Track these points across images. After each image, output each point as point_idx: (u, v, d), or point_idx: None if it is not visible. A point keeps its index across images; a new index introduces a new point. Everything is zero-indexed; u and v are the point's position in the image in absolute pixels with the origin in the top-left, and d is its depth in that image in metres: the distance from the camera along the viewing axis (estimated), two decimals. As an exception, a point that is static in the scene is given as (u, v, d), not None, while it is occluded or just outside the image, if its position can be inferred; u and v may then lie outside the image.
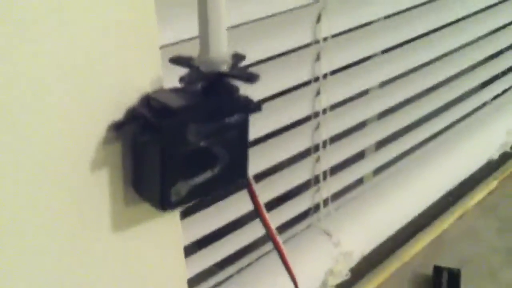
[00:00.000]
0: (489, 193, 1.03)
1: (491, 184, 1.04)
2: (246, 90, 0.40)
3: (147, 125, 0.38)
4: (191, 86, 0.40)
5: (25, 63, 0.33)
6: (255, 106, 0.41)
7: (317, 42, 0.60)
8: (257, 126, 0.56)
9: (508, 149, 0.99)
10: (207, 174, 0.40)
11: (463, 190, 1.00)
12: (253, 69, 0.54)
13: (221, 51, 0.39)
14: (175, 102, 0.38)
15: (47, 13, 0.33)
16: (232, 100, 0.40)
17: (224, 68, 0.39)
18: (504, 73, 0.99)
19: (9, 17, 0.32)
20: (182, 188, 0.39)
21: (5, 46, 0.32)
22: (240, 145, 0.42)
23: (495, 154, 0.97)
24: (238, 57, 0.41)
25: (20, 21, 0.32)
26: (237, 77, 0.39)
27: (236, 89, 0.40)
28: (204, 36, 0.39)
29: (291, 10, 0.56)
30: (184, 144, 0.38)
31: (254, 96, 0.41)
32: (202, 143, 0.39)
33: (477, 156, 0.93)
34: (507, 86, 1.00)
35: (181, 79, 0.41)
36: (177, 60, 0.41)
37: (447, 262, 0.85)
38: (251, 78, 0.39)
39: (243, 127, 0.41)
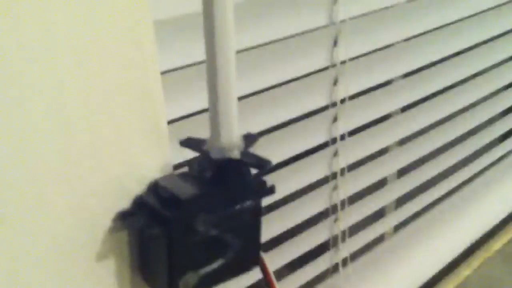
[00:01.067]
0: (510, 241, 0.99)
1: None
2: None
3: (154, 215, 0.37)
4: (200, 173, 0.39)
5: (34, 158, 0.33)
6: (268, 190, 0.40)
7: (334, 65, 0.58)
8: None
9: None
10: (218, 263, 0.39)
11: (484, 237, 0.97)
12: (267, 94, 0.51)
13: (232, 135, 0.38)
14: (184, 192, 0.37)
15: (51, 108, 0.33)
16: (244, 186, 0.39)
17: (236, 154, 0.38)
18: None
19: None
20: (191, 278, 0.38)
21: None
22: (253, 229, 0.41)
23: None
24: (249, 139, 0.40)
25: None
26: (248, 165, 0.38)
27: (248, 174, 0.39)
28: (214, 121, 0.37)
29: (307, 32, 0.54)
30: (193, 234, 0.37)
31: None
32: (212, 232, 0.38)
33: (499, 209, 0.90)
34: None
35: (190, 165, 0.40)
36: (187, 143, 0.40)
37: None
38: (262, 165, 0.38)
39: (256, 211, 0.40)
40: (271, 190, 0.40)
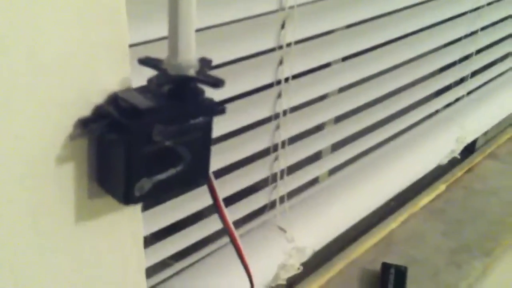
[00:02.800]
0: (437, 197, 1.08)
1: (439, 188, 1.09)
2: (212, 91, 0.42)
3: (114, 123, 0.39)
4: (158, 88, 0.41)
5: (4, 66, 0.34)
6: (219, 110, 0.43)
7: (280, 47, 0.62)
8: (220, 125, 0.58)
9: (457, 155, 1.04)
10: (170, 172, 0.42)
11: (412, 193, 1.05)
12: (219, 71, 0.56)
13: (190, 56, 0.41)
14: (143, 103, 0.40)
15: (14, 8, 0.34)
16: (198, 103, 0.42)
17: (192, 72, 0.41)
18: (456, 83, 1.04)
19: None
20: (146, 184, 0.41)
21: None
22: (203, 146, 0.44)
23: (444, 160, 1.02)
24: (205, 62, 0.43)
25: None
26: (203, 82, 0.41)
27: (201, 93, 0.42)
28: (173, 40, 0.40)
29: (257, 16, 0.58)
30: (149, 143, 0.40)
31: (218, 97, 0.43)
32: (167, 143, 0.41)
33: (428, 161, 0.98)
34: (458, 96, 1.06)
35: (149, 81, 0.42)
36: (145, 62, 0.42)
37: (394, 261, 0.89)
38: (217, 83, 0.41)
39: (207, 129, 0.43)
40: (222, 110, 0.43)
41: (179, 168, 0.43)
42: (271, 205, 0.74)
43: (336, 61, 0.76)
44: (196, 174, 0.45)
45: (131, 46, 0.42)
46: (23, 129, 0.37)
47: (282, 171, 0.72)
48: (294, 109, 0.70)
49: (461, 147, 1.03)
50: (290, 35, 0.62)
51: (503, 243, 0.99)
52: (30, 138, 0.38)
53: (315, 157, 0.79)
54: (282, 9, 0.60)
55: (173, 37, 0.40)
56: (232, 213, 0.68)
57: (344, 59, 0.76)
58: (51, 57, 0.37)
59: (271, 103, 0.66)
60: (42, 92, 0.37)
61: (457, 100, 1.06)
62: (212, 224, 0.64)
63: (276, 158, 0.71)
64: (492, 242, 0.98)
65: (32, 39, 0.36)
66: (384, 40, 0.79)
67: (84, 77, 0.39)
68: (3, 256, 0.39)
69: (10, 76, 0.35)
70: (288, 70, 0.65)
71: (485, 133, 1.20)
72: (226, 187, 0.65)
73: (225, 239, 0.67)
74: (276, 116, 0.67)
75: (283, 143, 0.70)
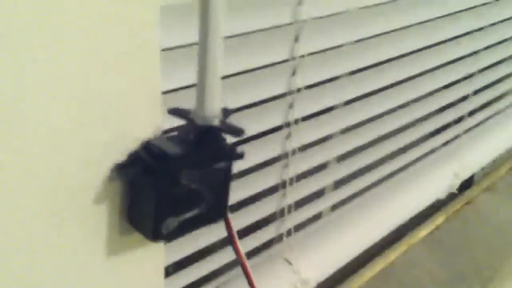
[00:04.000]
0: (436, 229, 1.12)
1: (438, 220, 1.13)
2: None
3: (146, 168, 0.44)
4: (186, 136, 0.46)
5: (36, 111, 0.39)
6: (238, 155, 0.48)
7: (294, 59, 0.66)
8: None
9: (454, 190, 1.09)
10: (194, 211, 0.47)
11: (411, 225, 1.08)
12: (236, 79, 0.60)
13: (215, 107, 0.46)
14: (172, 149, 0.44)
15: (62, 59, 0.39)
16: (220, 149, 0.47)
17: (216, 122, 0.46)
18: (454, 123, 1.09)
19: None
20: (172, 223, 0.46)
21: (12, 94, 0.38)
22: (224, 187, 0.49)
23: (442, 195, 1.06)
24: (227, 112, 0.48)
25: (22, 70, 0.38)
26: (226, 132, 0.46)
27: (223, 140, 0.47)
28: (201, 94, 0.45)
29: (274, 28, 0.62)
30: (176, 185, 0.44)
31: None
32: (192, 185, 0.45)
33: (426, 196, 1.02)
34: (456, 134, 1.10)
35: (178, 130, 0.47)
36: (175, 112, 0.47)
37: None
38: (238, 132, 0.46)
39: (228, 172, 0.48)
40: (240, 155, 0.48)
41: (201, 207, 0.47)
42: (278, 239, 0.78)
43: (340, 104, 0.81)
44: (216, 212, 0.49)
45: (163, 93, 0.47)
46: (66, 170, 0.42)
47: (289, 206, 0.76)
48: (301, 149, 0.74)
49: (458, 182, 1.07)
50: (303, 48, 0.66)
51: (500, 273, 1.02)
52: (72, 179, 0.42)
53: (319, 193, 0.83)
54: (296, 22, 0.64)
55: (201, 90, 0.45)
56: (243, 245, 0.71)
57: (348, 102, 0.81)
58: (94, 108, 0.42)
59: (280, 143, 0.70)
60: (85, 138, 0.42)
61: (455, 138, 1.10)
62: (225, 256, 0.68)
63: (283, 195, 0.75)
64: (490, 272, 1.01)
65: (81, 88, 0.40)
66: (386, 83, 0.84)
67: (120, 125, 0.44)
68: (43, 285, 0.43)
69: (60, 123, 0.40)
70: (297, 113, 0.70)
71: (483, 168, 1.24)
72: (238, 221, 0.69)
73: (234, 271, 0.71)
74: (285, 155, 0.72)
75: (291, 180, 0.74)
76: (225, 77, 0.59)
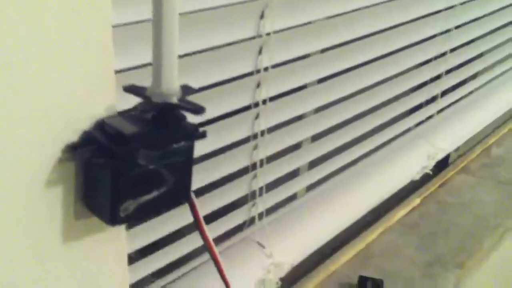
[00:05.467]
0: (411, 211, 1.12)
1: (414, 202, 1.13)
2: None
3: (101, 149, 0.42)
4: (143, 114, 0.44)
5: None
6: (200, 134, 0.46)
7: (260, 36, 0.64)
8: (201, 144, 0.59)
9: (429, 171, 1.08)
10: (154, 194, 0.45)
11: (387, 207, 1.08)
12: (201, 94, 0.59)
13: (172, 84, 0.44)
14: (129, 129, 0.42)
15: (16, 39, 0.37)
16: (180, 128, 0.45)
17: (174, 100, 0.44)
18: (427, 102, 1.08)
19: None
20: (130, 205, 0.44)
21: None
22: (186, 168, 0.47)
23: (416, 176, 1.05)
24: (187, 89, 0.46)
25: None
26: (185, 109, 0.44)
27: (183, 118, 0.45)
28: (157, 69, 0.43)
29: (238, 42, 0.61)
30: (134, 167, 0.42)
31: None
32: (151, 166, 0.43)
33: (400, 177, 1.01)
34: (429, 115, 1.10)
35: (134, 108, 0.45)
36: (130, 89, 0.45)
37: (371, 274, 0.92)
38: (198, 110, 0.44)
39: (189, 152, 0.46)
40: (202, 135, 0.46)
41: (162, 189, 0.45)
42: (250, 222, 0.77)
43: (311, 83, 0.79)
44: (179, 194, 0.48)
45: (116, 72, 0.45)
46: (13, 153, 0.39)
47: (260, 189, 0.75)
48: (272, 129, 0.73)
49: (432, 163, 1.07)
50: (267, 60, 0.65)
51: (475, 255, 1.02)
52: (20, 162, 0.40)
53: (293, 174, 0.82)
54: (259, 35, 0.63)
55: (156, 67, 0.43)
56: (213, 230, 0.70)
57: (320, 81, 0.80)
58: (40, 85, 0.39)
59: (249, 124, 0.69)
60: (32, 119, 0.40)
61: (428, 118, 1.10)
62: (193, 241, 0.66)
63: (254, 176, 0.73)
64: (465, 254, 1.01)
65: (31, 68, 0.38)
66: (358, 62, 0.83)
67: (72, 104, 0.42)
68: (-6, 275, 0.41)
69: (7, 100, 0.38)
70: (265, 92, 0.68)
71: (457, 149, 1.24)
72: (206, 205, 0.67)
73: (206, 256, 0.69)
74: (254, 136, 0.70)
75: (262, 162, 0.73)
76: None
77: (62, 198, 0.43)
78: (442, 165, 1.23)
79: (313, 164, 0.86)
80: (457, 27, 1.04)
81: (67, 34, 0.39)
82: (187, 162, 0.46)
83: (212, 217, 0.70)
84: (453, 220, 1.10)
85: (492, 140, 1.40)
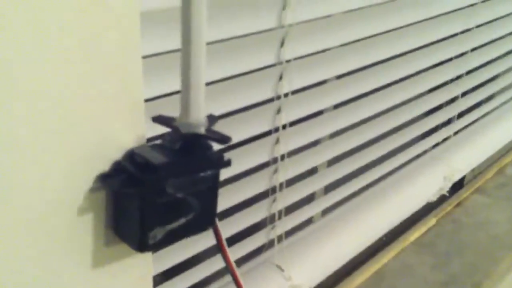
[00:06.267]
0: (427, 231, 1.12)
1: (429, 222, 1.13)
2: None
3: (131, 178, 0.43)
4: (171, 144, 0.45)
5: (18, 122, 0.38)
6: (225, 163, 0.47)
7: (280, 63, 0.66)
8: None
9: (445, 193, 1.09)
10: (181, 221, 0.46)
11: (403, 228, 1.08)
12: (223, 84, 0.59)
13: (200, 115, 0.45)
14: (157, 159, 0.43)
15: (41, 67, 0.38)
16: (206, 157, 0.46)
17: (201, 130, 0.45)
18: (444, 124, 1.09)
19: None
20: (159, 232, 0.45)
21: None
22: (211, 196, 0.48)
23: (433, 197, 1.06)
24: (212, 119, 0.47)
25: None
26: (212, 139, 0.45)
27: (210, 148, 0.46)
28: (185, 101, 0.44)
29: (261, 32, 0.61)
30: (162, 195, 0.44)
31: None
32: (178, 195, 0.45)
33: (417, 199, 1.02)
34: (445, 136, 1.10)
35: (163, 137, 0.46)
36: (159, 120, 0.46)
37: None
38: (224, 140, 0.45)
39: (215, 180, 0.47)
40: (228, 163, 0.47)
41: (189, 217, 0.46)
42: (269, 245, 0.78)
43: (328, 109, 0.80)
44: (204, 220, 0.49)
45: (146, 101, 0.47)
46: (48, 183, 0.41)
47: (280, 212, 0.76)
48: (291, 153, 0.74)
49: (449, 184, 1.07)
50: (289, 52, 0.66)
51: (491, 275, 1.02)
52: (54, 191, 0.41)
53: (310, 198, 0.83)
54: (281, 26, 0.64)
55: (185, 99, 0.44)
56: (233, 252, 0.71)
57: (336, 106, 0.81)
58: (74, 116, 0.41)
59: (269, 149, 0.70)
60: (64, 150, 0.41)
61: (444, 140, 1.10)
62: (215, 264, 0.67)
63: (274, 200, 0.74)
64: (481, 274, 1.01)
65: (62, 99, 0.39)
66: (374, 87, 0.84)
67: (103, 134, 0.43)
68: (27, 301, 0.42)
69: (40, 132, 0.39)
70: (285, 118, 0.69)
71: (473, 169, 1.25)
72: (228, 228, 0.69)
73: (227, 278, 0.70)
74: (275, 160, 0.71)
75: (281, 185, 0.74)
76: (211, 83, 0.59)
77: (93, 226, 0.45)
78: (457, 185, 1.24)
79: (330, 188, 0.87)
80: (473, 49, 1.05)
81: (98, 65, 0.41)
82: (213, 189, 0.48)
83: (232, 240, 0.71)
84: (468, 240, 1.10)
85: (507, 160, 1.40)
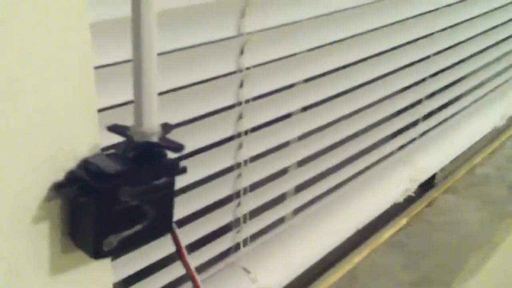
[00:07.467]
0: (398, 231, 1.14)
1: (400, 222, 1.15)
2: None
3: (85, 187, 0.44)
4: (125, 153, 0.46)
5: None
6: (181, 170, 0.49)
7: (240, 70, 0.67)
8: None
9: (412, 193, 1.11)
10: (136, 228, 0.47)
11: (374, 228, 1.10)
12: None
13: (153, 123, 0.46)
14: (111, 168, 0.44)
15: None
16: (161, 165, 0.47)
17: (154, 138, 0.46)
18: (408, 127, 1.11)
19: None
20: (114, 240, 0.46)
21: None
22: (167, 202, 0.49)
23: (399, 198, 1.08)
24: (166, 127, 0.48)
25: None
26: (165, 147, 0.46)
27: (164, 156, 0.47)
28: (138, 110, 0.45)
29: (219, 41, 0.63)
30: (117, 203, 0.45)
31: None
32: (133, 202, 0.46)
33: (384, 199, 1.04)
34: (410, 138, 1.12)
35: (117, 146, 0.47)
36: (113, 129, 0.47)
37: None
38: (177, 148, 0.47)
39: (170, 187, 0.48)
40: (183, 170, 0.49)
41: (144, 224, 0.47)
42: (236, 248, 0.79)
43: (296, 112, 0.82)
44: (161, 226, 0.50)
45: (101, 110, 0.47)
46: (2, 191, 0.42)
47: (245, 216, 0.77)
48: (254, 158, 0.75)
49: (415, 185, 1.10)
50: (249, 59, 0.67)
51: (462, 274, 1.04)
52: (8, 200, 0.42)
53: (277, 200, 0.84)
54: (241, 34, 0.65)
55: (138, 108, 0.45)
56: (198, 257, 0.72)
57: (304, 108, 0.82)
58: (26, 126, 0.42)
59: (231, 153, 0.71)
60: (17, 160, 0.42)
61: (410, 141, 1.12)
62: (178, 269, 0.68)
63: (238, 204, 0.75)
64: (451, 273, 1.03)
65: (15, 108, 0.40)
66: (340, 90, 0.85)
67: (56, 144, 0.44)
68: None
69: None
70: (247, 123, 0.70)
71: (443, 169, 1.27)
72: (191, 233, 0.69)
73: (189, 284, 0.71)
74: (238, 165, 0.73)
75: (245, 190, 0.75)
76: (170, 91, 0.60)
77: (48, 233, 0.46)
78: (428, 185, 1.26)
79: (298, 189, 0.88)
80: (436, 53, 1.07)
81: (50, 76, 0.42)
82: (169, 196, 0.49)
83: (198, 244, 0.72)
84: (439, 240, 1.12)
85: (477, 160, 1.42)
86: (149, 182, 0.46)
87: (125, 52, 0.47)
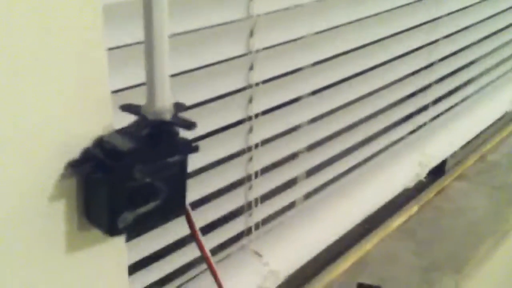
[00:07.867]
0: (409, 218, 1.14)
1: (411, 209, 1.15)
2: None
3: (99, 164, 0.45)
4: (138, 131, 0.47)
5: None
6: (193, 148, 0.49)
7: (250, 52, 0.67)
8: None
9: (422, 179, 1.11)
10: (150, 206, 0.47)
11: (386, 215, 1.10)
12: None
13: (165, 102, 0.46)
14: (124, 145, 0.45)
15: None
16: (173, 143, 0.48)
17: (167, 117, 0.47)
18: (418, 112, 1.11)
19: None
20: (128, 217, 0.46)
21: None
22: (180, 181, 0.50)
23: (410, 183, 1.08)
24: (179, 106, 0.48)
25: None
26: (178, 125, 0.47)
27: (176, 134, 0.48)
28: (150, 89, 0.46)
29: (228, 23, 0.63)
30: (130, 180, 0.45)
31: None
32: (146, 180, 0.46)
33: (394, 184, 1.04)
34: (421, 123, 1.12)
35: (131, 125, 0.48)
36: (126, 108, 0.48)
37: (369, 281, 0.93)
38: (189, 125, 0.47)
39: (182, 166, 0.49)
40: (195, 148, 0.49)
41: (158, 201, 0.48)
42: (247, 231, 0.79)
43: (304, 96, 0.82)
44: (174, 206, 0.50)
45: (114, 92, 0.48)
46: (18, 171, 0.42)
47: (256, 199, 0.77)
48: (265, 141, 0.75)
49: (425, 171, 1.09)
50: (258, 42, 0.67)
51: (472, 260, 1.04)
52: (25, 179, 0.43)
53: (288, 184, 0.84)
54: (250, 16, 0.65)
55: (150, 87, 0.46)
56: (210, 240, 0.73)
57: (313, 93, 0.82)
58: (40, 107, 0.42)
59: (242, 137, 0.72)
60: (33, 138, 0.42)
61: (420, 127, 1.12)
62: (192, 251, 0.69)
63: (250, 187, 0.76)
64: (462, 260, 1.03)
65: (30, 89, 0.41)
66: (350, 74, 0.85)
67: (71, 123, 0.44)
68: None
69: (10, 124, 0.40)
70: (257, 106, 0.71)
71: (454, 155, 1.26)
72: (203, 216, 0.70)
73: (203, 266, 0.72)
74: (249, 148, 0.73)
75: (256, 173, 0.76)
76: (180, 74, 0.61)
77: (65, 212, 0.46)
78: (438, 172, 1.26)
79: (309, 174, 0.88)
80: (445, 36, 1.07)
81: (65, 57, 0.42)
82: (181, 175, 0.49)
83: (210, 227, 0.72)
84: (449, 227, 1.12)
85: (487, 147, 1.42)
86: (162, 160, 0.47)
87: (138, 34, 0.47)
